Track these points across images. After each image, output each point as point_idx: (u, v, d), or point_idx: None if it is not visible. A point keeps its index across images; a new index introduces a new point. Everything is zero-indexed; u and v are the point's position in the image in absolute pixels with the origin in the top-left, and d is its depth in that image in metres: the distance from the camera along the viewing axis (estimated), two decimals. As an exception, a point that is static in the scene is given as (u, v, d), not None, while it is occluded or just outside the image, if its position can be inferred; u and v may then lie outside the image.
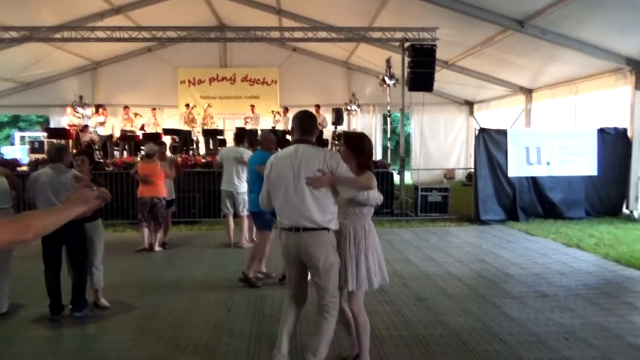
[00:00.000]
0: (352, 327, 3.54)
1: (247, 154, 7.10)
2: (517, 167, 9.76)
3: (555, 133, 10.10)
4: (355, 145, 3.47)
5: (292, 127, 3.51)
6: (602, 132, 9.80)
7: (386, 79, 11.82)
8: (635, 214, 9.44)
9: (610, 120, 10.02)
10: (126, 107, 14.16)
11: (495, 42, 10.46)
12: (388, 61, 11.83)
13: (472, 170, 10.49)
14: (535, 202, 9.91)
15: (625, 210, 9.81)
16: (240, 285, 5.58)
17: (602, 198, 9.92)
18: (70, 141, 12.87)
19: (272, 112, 15.26)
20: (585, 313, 4.69)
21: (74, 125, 13.36)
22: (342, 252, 3.35)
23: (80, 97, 14.36)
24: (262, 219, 5.56)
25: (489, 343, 4.02)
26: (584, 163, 9.81)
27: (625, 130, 9.76)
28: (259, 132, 14.41)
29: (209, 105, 15.22)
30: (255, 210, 5.36)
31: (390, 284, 5.63)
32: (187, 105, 14.89)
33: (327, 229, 3.26)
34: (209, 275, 6.12)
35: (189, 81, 17.22)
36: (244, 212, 7.34)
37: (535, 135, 10.19)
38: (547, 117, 12.70)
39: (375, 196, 3.33)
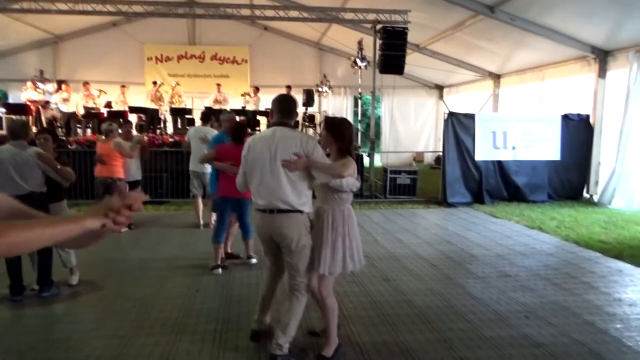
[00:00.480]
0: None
1: (211, 133, 6.99)
2: (484, 151, 9.95)
3: (521, 118, 10.32)
4: (336, 130, 3.46)
5: (271, 110, 3.51)
6: (565, 118, 10.06)
7: (358, 60, 11.79)
8: (595, 198, 9.78)
9: (574, 107, 10.28)
10: (86, 83, 13.69)
11: (465, 26, 10.54)
12: (360, 43, 11.78)
13: (441, 153, 10.63)
14: (500, 186, 10.14)
15: (585, 194, 10.16)
16: (207, 264, 5.54)
17: (564, 182, 10.23)
18: (31, 117, 12.38)
19: (243, 94, 15.00)
20: (546, 292, 4.86)
21: (35, 101, 12.84)
22: (319, 235, 3.35)
23: (41, 72, 13.80)
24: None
25: (453, 322, 4.12)
26: (548, 148, 10.07)
27: (588, 117, 10.04)
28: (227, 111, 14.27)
29: (177, 84, 14.87)
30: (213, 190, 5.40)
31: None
32: (155, 82, 14.51)
33: (301, 212, 3.29)
34: (176, 256, 6.05)
35: (156, 58, 16.75)
36: None
37: (502, 120, 10.38)
38: (514, 103, 12.95)
39: (349, 183, 3.31)
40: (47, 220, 1.30)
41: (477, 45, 11.78)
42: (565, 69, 10.66)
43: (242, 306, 4.40)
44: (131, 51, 16.27)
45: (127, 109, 13.57)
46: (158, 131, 13.20)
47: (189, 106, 15.20)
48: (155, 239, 6.89)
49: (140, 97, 14.98)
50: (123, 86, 14.19)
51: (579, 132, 10.09)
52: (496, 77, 13.65)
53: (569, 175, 10.21)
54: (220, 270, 5.32)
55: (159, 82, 14.56)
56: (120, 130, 7.79)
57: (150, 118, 13.55)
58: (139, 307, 4.33)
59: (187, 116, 14.36)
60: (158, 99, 14.06)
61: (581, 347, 3.65)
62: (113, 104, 13.77)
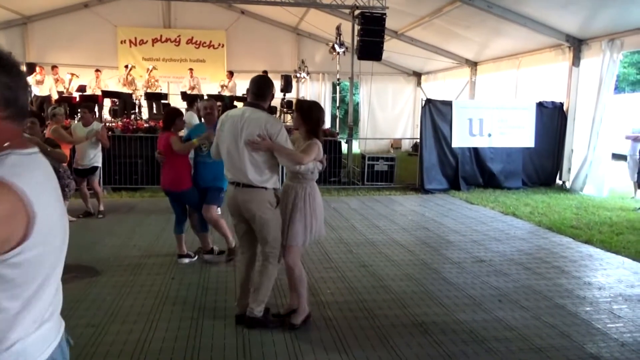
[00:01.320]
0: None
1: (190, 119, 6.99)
2: (460, 138, 10.05)
3: (497, 105, 10.43)
4: (305, 112, 3.64)
5: (247, 90, 3.66)
6: (540, 105, 10.22)
7: (336, 46, 11.70)
8: (568, 185, 10.00)
9: (548, 95, 10.45)
10: (54, 67, 13.30)
11: (443, 13, 10.55)
12: (338, 28, 11.70)
13: (418, 140, 10.70)
14: (476, 173, 10.27)
15: (558, 181, 10.38)
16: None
17: (537, 169, 10.43)
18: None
19: (222, 87, 14.69)
20: (519, 277, 4.96)
21: (3, 84, 12.41)
22: (283, 210, 3.61)
23: (9, 54, 13.30)
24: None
25: (429, 306, 4.18)
26: (523, 135, 10.22)
27: (561, 104, 10.21)
28: (205, 97, 14.04)
29: (154, 68, 14.54)
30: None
31: (335, 251, 5.76)
32: (126, 66, 14.16)
33: (265, 188, 3.49)
34: (152, 243, 5.96)
35: (130, 41, 16.34)
36: None
37: (479, 107, 10.48)
38: (491, 90, 13.09)
39: (309, 167, 3.53)
40: None
41: (454, 33, 11.83)
42: (540, 57, 10.80)
43: (219, 293, 4.38)
44: (104, 34, 15.83)
45: (99, 93, 13.25)
46: (133, 116, 12.94)
47: (164, 91, 14.92)
48: (130, 226, 6.78)
49: (113, 81, 14.63)
50: (97, 70, 13.83)
51: (552, 120, 10.26)
52: (473, 64, 13.75)
53: (543, 162, 10.40)
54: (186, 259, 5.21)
55: (130, 66, 14.20)
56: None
57: (124, 103, 13.27)
58: (114, 295, 4.26)
59: (163, 101, 14.10)
60: (130, 82, 13.75)
61: (552, 330, 3.75)
62: (87, 89, 13.41)
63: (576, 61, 9.67)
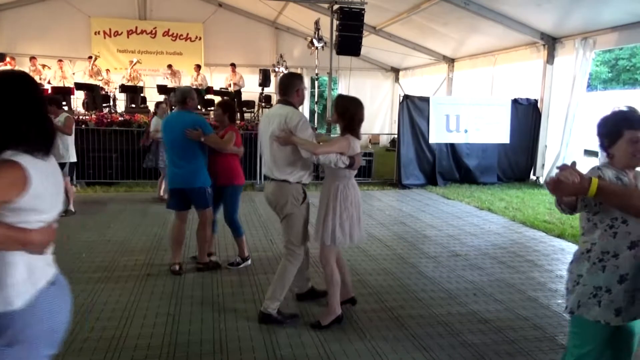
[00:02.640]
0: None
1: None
2: (437, 134, 10.15)
3: (473, 102, 10.56)
4: (340, 109, 3.59)
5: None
6: (515, 102, 10.39)
7: (315, 41, 11.67)
8: (541, 180, 10.21)
9: (523, 92, 10.62)
10: (33, 58, 12.94)
11: (421, 9, 10.61)
12: (317, 23, 11.66)
13: (396, 136, 10.76)
14: (452, 168, 10.40)
15: (532, 176, 10.59)
16: (160, 246, 5.42)
17: (512, 165, 10.61)
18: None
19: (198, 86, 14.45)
20: (493, 271, 5.05)
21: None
22: (319, 208, 3.66)
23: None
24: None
25: (405, 300, 4.22)
26: (498, 131, 10.38)
27: (536, 101, 10.41)
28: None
29: (138, 61, 14.20)
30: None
31: (313, 245, 5.74)
32: (90, 57, 13.82)
33: (288, 181, 3.59)
34: (127, 239, 5.86)
35: (104, 32, 15.99)
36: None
37: (456, 103, 10.60)
38: (467, 87, 13.24)
39: (330, 159, 3.45)
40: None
41: (432, 29, 11.91)
42: (515, 54, 10.96)
43: (195, 289, 4.33)
44: (77, 25, 15.46)
45: (71, 85, 12.95)
46: (106, 109, 12.69)
47: (139, 84, 14.64)
48: (105, 222, 6.65)
49: (80, 74, 14.27)
50: (60, 60, 13.46)
51: (527, 116, 10.45)
52: (450, 61, 13.89)
53: (517, 158, 10.59)
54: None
55: (94, 56, 13.87)
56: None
57: (95, 95, 12.98)
58: (88, 291, 4.18)
59: (140, 94, 13.87)
60: (95, 73, 13.45)
61: (525, 322, 3.83)
62: (52, 80, 13.07)
63: (550, 59, 9.85)
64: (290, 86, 3.63)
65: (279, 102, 3.70)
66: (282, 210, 3.65)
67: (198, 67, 14.41)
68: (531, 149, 10.47)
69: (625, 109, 2.14)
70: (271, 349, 3.30)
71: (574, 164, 1.90)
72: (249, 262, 5.03)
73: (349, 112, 3.57)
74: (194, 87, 13.98)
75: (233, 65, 13.78)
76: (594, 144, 2.14)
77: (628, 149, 2.09)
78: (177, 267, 4.69)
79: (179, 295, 4.16)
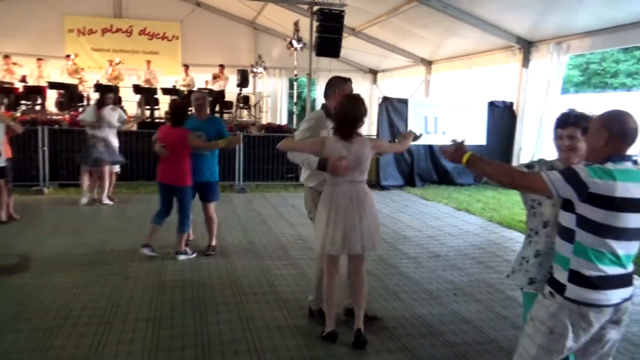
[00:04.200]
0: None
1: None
2: (416, 136, 10.21)
3: (451, 104, 10.69)
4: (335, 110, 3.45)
5: None
6: (492, 105, 10.56)
7: (294, 42, 11.64)
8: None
9: (499, 94, 10.81)
10: (6, 57, 12.59)
11: (400, 12, 10.69)
12: (296, 24, 11.64)
13: (373, 137, 10.80)
14: (430, 169, 10.51)
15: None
16: (137, 249, 5.32)
17: (489, 166, 10.75)
18: None
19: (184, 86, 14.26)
20: (472, 271, 5.11)
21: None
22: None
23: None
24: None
25: (387, 301, 4.24)
26: (475, 133, 10.53)
27: (512, 104, 10.59)
28: (159, 90, 13.66)
29: (121, 61, 13.92)
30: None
31: (294, 247, 5.75)
32: (68, 55, 13.53)
33: (309, 187, 3.72)
34: (103, 241, 5.74)
35: (78, 30, 15.62)
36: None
37: (434, 105, 10.71)
38: (445, 89, 13.39)
39: (294, 157, 3.45)
40: None
41: (410, 32, 12.01)
42: (492, 57, 11.14)
43: (176, 292, 4.27)
44: (50, 22, 15.04)
45: (44, 84, 12.64)
46: (80, 109, 12.40)
47: (121, 84, 14.35)
48: (79, 224, 6.50)
49: (58, 72, 13.94)
50: (39, 59, 13.14)
51: (503, 119, 10.63)
52: (428, 63, 14.03)
53: (493, 160, 10.70)
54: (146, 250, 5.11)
55: (73, 55, 13.58)
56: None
57: (71, 95, 12.70)
58: (64, 296, 4.07)
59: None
60: (74, 72, 13.16)
61: (504, 321, 3.89)
62: (28, 79, 12.75)
63: (526, 62, 10.04)
64: (330, 90, 3.58)
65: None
66: (307, 212, 3.86)
67: (186, 67, 14.26)
68: (507, 150, 10.65)
69: (566, 110, 2.48)
70: (255, 354, 3.27)
71: (463, 141, 2.37)
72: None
73: (336, 110, 3.37)
74: (181, 87, 13.84)
75: (222, 66, 13.65)
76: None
77: (555, 145, 2.46)
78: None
79: (159, 300, 4.09)
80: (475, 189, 9.98)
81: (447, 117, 10.33)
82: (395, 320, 3.83)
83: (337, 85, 3.58)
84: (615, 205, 2.00)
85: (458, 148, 2.34)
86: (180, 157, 4.95)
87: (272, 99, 17.17)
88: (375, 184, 10.18)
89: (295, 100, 13.17)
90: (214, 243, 5.45)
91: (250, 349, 3.32)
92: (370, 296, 4.31)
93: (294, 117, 13.43)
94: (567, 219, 2.13)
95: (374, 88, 17.59)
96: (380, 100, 10.16)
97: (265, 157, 10.17)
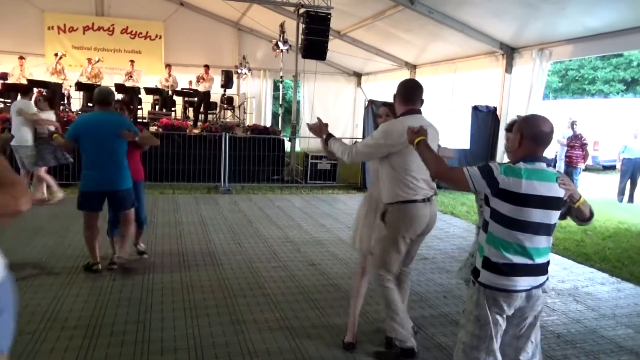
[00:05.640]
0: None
1: (27, 107, 7.40)
2: (401, 139, 10.29)
3: (435, 108, 10.78)
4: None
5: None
6: (475, 109, 10.69)
7: (280, 44, 11.62)
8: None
9: (483, 99, 10.95)
10: None
11: (386, 16, 10.76)
12: (282, 26, 11.62)
13: (358, 139, 10.84)
14: (415, 172, 10.55)
15: (490, 182, 10.89)
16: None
17: (472, 170, 10.88)
18: None
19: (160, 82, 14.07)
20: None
21: None
22: None
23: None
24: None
25: (378, 304, 4.22)
26: (459, 137, 10.65)
27: (495, 108, 10.74)
28: (142, 91, 13.49)
29: (100, 59, 13.68)
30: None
31: (283, 250, 5.74)
32: (56, 54, 13.28)
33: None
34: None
35: (59, 28, 15.34)
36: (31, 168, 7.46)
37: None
38: (429, 93, 13.43)
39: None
40: None
41: (395, 35, 12.10)
42: (475, 62, 11.28)
43: (165, 294, 4.22)
44: (29, 19, 14.73)
45: (24, 81, 12.36)
46: (62, 107, 12.18)
47: (101, 82, 14.12)
48: (63, 224, 6.36)
49: (39, 70, 13.67)
50: (22, 57, 12.85)
51: (486, 123, 10.77)
52: (412, 67, 14.15)
53: (477, 163, 10.76)
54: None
55: (60, 54, 13.33)
56: None
57: (53, 93, 12.43)
58: (50, 298, 3.98)
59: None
60: (59, 71, 12.92)
61: (494, 324, 3.93)
62: (9, 77, 12.46)
63: (509, 68, 10.20)
64: (396, 94, 3.35)
65: (415, 112, 3.31)
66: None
67: (169, 66, 14.09)
68: (490, 154, 10.79)
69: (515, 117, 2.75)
70: (248, 356, 3.25)
71: (421, 127, 2.67)
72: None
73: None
74: (163, 87, 13.68)
75: (207, 66, 13.51)
76: (547, 151, 2.46)
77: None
78: (100, 267, 4.69)
79: (148, 302, 4.03)
80: (459, 193, 10.08)
81: (431, 120, 10.39)
82: (388, 324, 3.83)
83: (400, 90, 3.37)
84: (521, 201, 2.22)
85: (419, 130, 2.64)
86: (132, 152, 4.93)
87: (256, 101, 17.10)
88: (362, 186, 10.23)
89: (280, 102, 13.11)
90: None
91: (243, 352, 3.29)
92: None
93: (279, 118, 13.36)
94: (486, 212, 2.36)
95: (358, 91, 17.67)
96: (366, 103, 10.19)
97: (251, 158, 10.14)
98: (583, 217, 2.40)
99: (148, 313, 3.82)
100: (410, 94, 3.32)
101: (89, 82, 12.89)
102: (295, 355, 3.29)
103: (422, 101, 3.37)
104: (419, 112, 3.33)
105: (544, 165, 2.30)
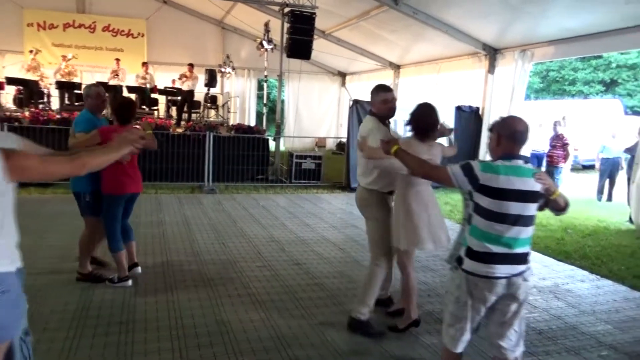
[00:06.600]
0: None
1: None
2: (385, 138, 10.34)
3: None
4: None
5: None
6: (459, 109, 10.79)
7: (264, 43, 11.58)
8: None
9: (466, 99, 11.05)
10: None
11: (370, 16, 10.79)
12: (266, 25, 11.58)
13: (342, 139, 10.88)
14: (399, 172, 10.61)
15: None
16: (105, 252, 5.15)
17: (455, 169, 10.98)
18: None
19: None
20: (444, 272, 5.21)
21: None
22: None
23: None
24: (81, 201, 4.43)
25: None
26: (442, 137, 10.72)
27: (478, 109, 10.86)
28: (125, 89, 13.32)
29: (74, 57, 13.45)
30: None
31: (267, 249, 5.72)
32: (31, 51, 13.03)
33: (372, 189, 3.80)
34: (69, 243, 5.47)
35: (39, 25, 15.04)
36: None
37: (402, 109, 10.81)
38: (413, 93, 13.59)
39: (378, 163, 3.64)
40: (105, 149, 2.12)
41: (380, 35, 12.14)
42: (458, 63, 11.38)
43: (148, 295, 4.17)
44: (7, 15, 14.40)
45: (1, 79, 12.14)
46: (41, 106, 11.97)
47: (77, 80, 13.90)
48: (43, 225, 6.25)
49: (17, 67, 13.40)
50: (-3, 55, 12.61)
51: (469, 123, 10.87)
52: (396, 67, 14.21)
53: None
54: (130, 281, 4.37)
55: (35, 50, 13.09)
56: None
57: (30, 91, 12.23)
58: (30, 300, 3.82)
59: (76, 91, 13.18)
60: (34, 68, 12.68)
61: (478, 321, 3.97)
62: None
63: (491, 69, 10.31)
64: (372, 97, 3.92)
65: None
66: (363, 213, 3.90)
67: (145, 64, 13.91)
68: (472, 154, 10.89)
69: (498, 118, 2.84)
70: (233, 356, 3.23)
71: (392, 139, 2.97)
72: (129, 283, 4.36)
73: (417, 117, 3.71)
74: (139, 84, 13.50)
75: (191, 65, 13.36)
76: (527, 150, 2.67)
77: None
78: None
79: (132, 303, 3.98)
80: (442, 192, 10.17)
81: (415, 120, 10.47)
82: (373, 322, 3.85)
83: (374, 94, 3.90)
84: (499, 195, 2.41)
85: (389, 141, 2.89)
86: (136, 160, 4.35)
87: (240, 100, 17.02)
88: (346, 185, 10.25)
89: (265, 101, 13.06)
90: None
91: (228, 352, 3.28)
92: (345, 297, 4.36)
93: (264, 118, 13.31)
94: (470, 206, 2.55)
95: (342, 90, 17.69)
96: (351, 103, 10.21)
97: (235, 157, 10.08)
98: (559, 207, 2.57)
99: (131, 313, 3.77)
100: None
101: (63, 79, 12.68)
102: (281, 355, 3.28)
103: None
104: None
105: (520, 162, 2.48)
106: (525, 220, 2.46)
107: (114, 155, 2.08)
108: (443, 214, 7.95)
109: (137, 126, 4.70)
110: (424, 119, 3.64)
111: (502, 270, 2.45)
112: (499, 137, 2.53)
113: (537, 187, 2.44)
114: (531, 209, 2.47)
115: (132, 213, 4.60)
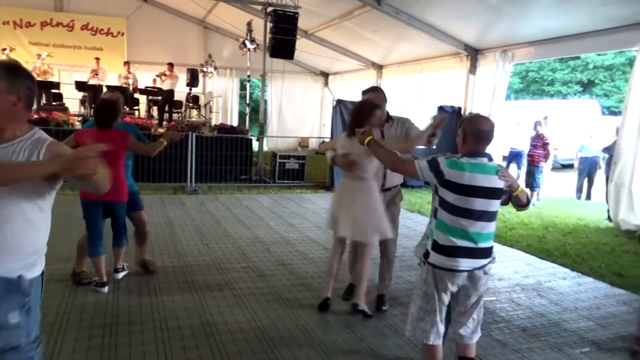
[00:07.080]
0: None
1: None
2: (368, 138, 10.38)
3: (402, 108, 10.92)
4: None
5: None
6: (441, 109, 10.87)
7: (247, 42, 11.52)
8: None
9: (448, 99, 11.15)
10: None
11: (353, 16, 10.81)
12: (249, 24, 11.53)
13: (325, 139, 10.88)
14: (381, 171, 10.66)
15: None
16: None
17: (437, 169, 11.08)
18: None
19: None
20: (429, 271, 5.24)
21: None
22: None
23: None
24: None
25: (348, 303, 4.26)
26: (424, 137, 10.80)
27: (460, 109, 10.96)
28: (104, 89, 13.09)
29: (49, 55, 13.19)
30: None
31: (252, 250, 5.69)
32: (4, 49, 12.75)
33: None
34: (50, 246, 5.40)
35: (15, 23, 14.74)
36: None
37: (385, 109, 10.88)
38: (395, 93, 13.64)
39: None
40: (27, 164, 1.83)
41: (362, 36, 12.18)
42: (441, 63, 11.48)
43: (132, 297, 4.11)
44: (-18, 13, 14.13)
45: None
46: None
47: (55, 79, 13.63)
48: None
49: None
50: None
51: (451, 123, 10.89)
52: (379, 67, 14.27)
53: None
54: (106, 288, 4.20)
55: (8, 48, 12.80)
56: None
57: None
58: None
59: (54, 90, 12.94)
60: (44, 72, 12.43)
61: (463, 319, 4.00)
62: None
63: (473, 69, 10.42)
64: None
65: None
66: None
67: (127, 63, 13.71)
68: (455, 153, 10.99)
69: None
70: (220, 358, 3.20)
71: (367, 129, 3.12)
72: (105, 289, 4.19)
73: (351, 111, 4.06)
74: (121, 84, 13.30)
75: (170, 64, 13.19)
76: (506, 149, 2.77)
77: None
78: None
79: (115, 305, 3.92)
80: (425, 191, 10.25)
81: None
82: (359, 322, 3.86)
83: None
84: (464, 191, 2.50)
85: (364, 132, 3.05)
86: (118, 166, 4.06)
87: (222, 99, 16.91)
88: (330, 185, 10.25)
89: (247, 101, 12.99)
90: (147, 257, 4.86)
91: (214, 354, 3.24)
92: (331, 298, 4.33)
93: (246, 118, 13.24)
94: (435, 201, 2.66)
95: (325, 90, 17.70)
96: (334, 103, 10.22)
97: (218, 158, 10.00)
98: (521, 203, 2.70)
99: (114, 316, 3.71)
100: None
101: (39, 78, 12.42)
102: (268, 356, 3.26)
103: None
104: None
105: (485, 159, 2.59)
106: (489, 216, 2.57)
107: (42, 169, 1.78)
108: (426, 213, 8.07)
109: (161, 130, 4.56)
110: (354, 114, 3.95)
111: (465, 264, 2.56)
112: (465, 135, 2.64)
113: (500, 184, 2.55)
114: (495, 205, 2.58)
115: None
